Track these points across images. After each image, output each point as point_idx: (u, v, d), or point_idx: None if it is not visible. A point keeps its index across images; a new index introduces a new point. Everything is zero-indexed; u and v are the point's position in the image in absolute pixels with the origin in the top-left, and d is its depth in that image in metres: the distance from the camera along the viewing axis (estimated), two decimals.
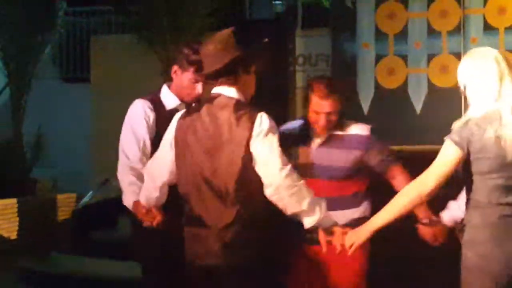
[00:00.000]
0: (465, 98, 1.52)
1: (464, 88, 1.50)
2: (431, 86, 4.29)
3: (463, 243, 1.53)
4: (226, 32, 1.64)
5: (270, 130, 1.57)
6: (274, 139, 1.57)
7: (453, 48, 4.27)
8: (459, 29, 4.27)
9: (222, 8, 5.10)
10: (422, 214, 1.75)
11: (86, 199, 4.72)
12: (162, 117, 1.99)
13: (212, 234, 1.58)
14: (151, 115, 2.04)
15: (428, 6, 4.41)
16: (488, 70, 1.46)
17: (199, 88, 2.03)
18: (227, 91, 1.61)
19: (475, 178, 1.46)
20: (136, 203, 1.83)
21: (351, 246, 1.54)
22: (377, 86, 4.40)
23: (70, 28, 7.36)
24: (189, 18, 5.08)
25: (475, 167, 1.45)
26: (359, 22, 4.48)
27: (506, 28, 4.20)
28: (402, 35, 4.40)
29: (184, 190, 1.66)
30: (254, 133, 1.55)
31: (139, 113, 2.06)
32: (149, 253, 2.01)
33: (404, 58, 4.40)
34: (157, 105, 2.08)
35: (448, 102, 3.80)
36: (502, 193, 1.45)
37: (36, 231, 5.13)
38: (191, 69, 1.97)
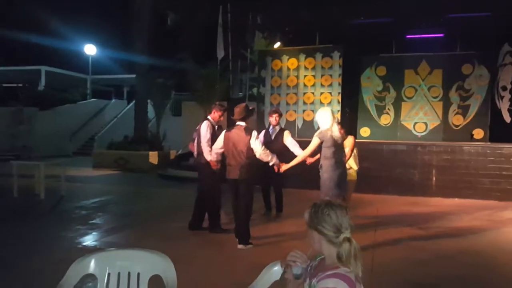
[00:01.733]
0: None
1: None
2: None
3: (320, 171, 5.10)
4: (243, 104, 5.64)
5: (256, 137, 5.31)
6: (258, 140, 5.35)
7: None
8: None
9: (223, 91, 15.32)
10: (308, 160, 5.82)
11: (180, 152, 15.40)
12: (213, 129, 6.06)
13: (236, 167, 5.37)
14: (211, 128, 6.03)
15: None
16: (327, 115, 5.14)
17: (221, 118, 6.18)
18: (242, 123, 5.42)
19: (324, 149, 5.09)
20: (211, 160, 5.89)
21: (283, 169, 5.64)
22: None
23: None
24: (213, 96, 15.35)
25: (324, 145, 5.09)
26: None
27: None
28: None
29: (226, 154, 5.50)
30: (252, 138, 5.31)
31: (207, 127, 5.99)
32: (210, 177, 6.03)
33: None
34: (211, 124, 6.07)
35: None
36: (334, 153, 5.05)
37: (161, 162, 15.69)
38: (221, 112, 6.17)
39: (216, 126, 6.16)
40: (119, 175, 13.63)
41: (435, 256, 5.18)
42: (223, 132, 5.66)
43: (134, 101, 17.92)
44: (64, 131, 20.62)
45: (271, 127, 7.23)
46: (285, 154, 6.44)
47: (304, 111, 12.33)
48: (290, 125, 11.82)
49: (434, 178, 9.32)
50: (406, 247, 5.57)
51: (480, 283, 4.40)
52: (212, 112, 6.18)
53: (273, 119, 7.15)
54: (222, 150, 5.65)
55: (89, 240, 5.96)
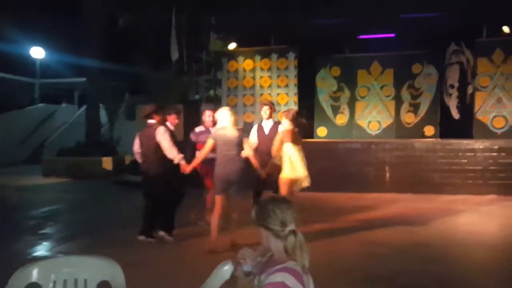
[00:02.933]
0: None
1: None
2: None
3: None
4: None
5: (163, 133, 5.52)
6: (164, 136, 5.50)
7: None
8: None
9: (179, 94, 15.12)
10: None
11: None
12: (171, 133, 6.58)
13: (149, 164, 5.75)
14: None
15: None
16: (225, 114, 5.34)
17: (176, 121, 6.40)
18: (151, 121, 5.98)
19: (218, 147, 5.28)
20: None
21: (187, 169, 5.58)
22: None
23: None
24: (169, 99, 15.10)
25: (217, 145, 5.26)
26: None
27: None
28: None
29: (142, 153, 5.96)
30: (158, 134, 5.51)
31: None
32: None
33: None
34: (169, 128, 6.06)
35: None
36: (223, 150, 5.22)
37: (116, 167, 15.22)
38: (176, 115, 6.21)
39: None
40: (71, 182, 13.10)
41: (389, 250, 5.29)
42: (137, 134, 5.90)
43: (85, 106, 17.31)
44: (12, 138, 19.64)
45: (263, 121, 6.65)
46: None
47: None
48: (248, 126, 11.75)
49: (388, 175, 9.55)
50: (363, 242, 5.66)
51: (435, 276, 4.51)
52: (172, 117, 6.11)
53: (263, 112, 6.56)
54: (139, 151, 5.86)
55: (39, 250, 5.67)
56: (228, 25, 12.97)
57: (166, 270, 4.73)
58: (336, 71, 12.44)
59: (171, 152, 5.54)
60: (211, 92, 13.83)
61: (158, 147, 5.59)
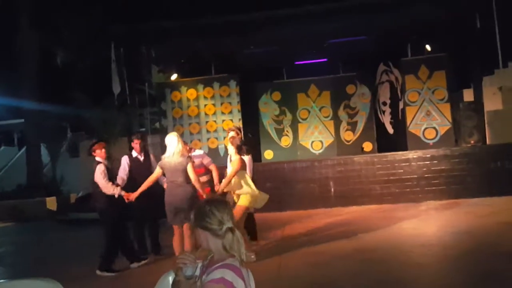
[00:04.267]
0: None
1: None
2: None
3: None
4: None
5: (101, 172, 5.69)
6: (99, 173, 5.70)
7: None
8: None
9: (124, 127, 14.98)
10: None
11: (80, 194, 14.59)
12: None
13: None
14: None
15: None
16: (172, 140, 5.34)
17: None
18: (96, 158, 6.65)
19: (166, 174, 5.42)
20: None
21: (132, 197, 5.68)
22: None
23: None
24: (113, 133, 14.90)
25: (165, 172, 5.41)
26: None
27: None
28: None
29: None
30: (96, 171, 5.74)
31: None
32: None
33: None
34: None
35: None
36: (169, 177, 5.35)
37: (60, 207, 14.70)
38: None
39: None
40: (13, 226, 12.48)
41: (333, 257, 5.54)
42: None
43: (25, 147, 16.69)
44: None
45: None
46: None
47: (208, 139, 12.51)
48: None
49: (332, 190, 9.95)
50: (309, 253, 5.88)
51: (376, 276, 4.79)
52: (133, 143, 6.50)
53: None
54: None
55: None
56: (168, 57, 13.17)
57: None
58: (277, 95, 12.92)
59: (107, 188, 5.68)
60: (157, 124, 13.84)
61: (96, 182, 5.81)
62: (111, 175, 5.84)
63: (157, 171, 5.42)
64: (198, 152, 6.81)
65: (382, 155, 10.10)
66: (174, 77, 13.43)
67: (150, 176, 5.55)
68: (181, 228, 5.32)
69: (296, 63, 13.12)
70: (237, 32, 11.30)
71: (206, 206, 2.01)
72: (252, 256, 5.30)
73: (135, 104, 14.76)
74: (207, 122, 12.60)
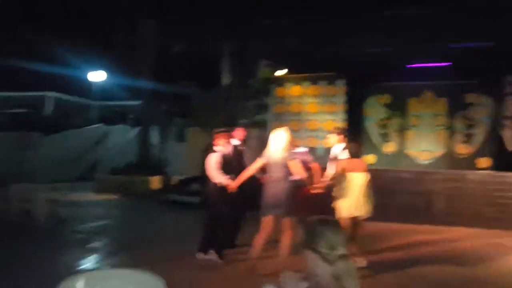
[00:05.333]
0: None
1: None
2: None
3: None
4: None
5: (215, 160, 5.91)
6: (213, 160, 5.90)
7: None
8: None
9: (227, 118, 15.41)
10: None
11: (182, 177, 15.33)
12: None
13: None
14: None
15: None
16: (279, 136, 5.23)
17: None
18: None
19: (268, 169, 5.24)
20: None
21: (232, 187, 5.71)
22: None
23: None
24: (217, 123, 15.39)
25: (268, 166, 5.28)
26: None
27: None
28: None
29: None
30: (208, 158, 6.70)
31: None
32: None
33: None
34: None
35: None
36: (270, 171, 5.28)
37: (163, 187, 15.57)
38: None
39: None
40: (120, 200, 13.51)
41: (437, 285, 5.01)
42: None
43: (138, 127, 17.98)
44: (69, 155, 20.64)
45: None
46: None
47: (307, 137, 12.30)
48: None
49: (439, 206, 9.15)
50: (405, 275, 5.40)
51: None
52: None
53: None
54: None
55: (86, 263, 5.85)
56: (278, 52, 13.17)
57: None
58: (386, 99, 12.26)
59: (215, 176, 5.83)
60: (258, 117, 13.99)
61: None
62: (228, 166, 5.94)
63: (260, 162, 5.38)
64: (301, 148, 6.71)
65: (500, 175, 9.04)
66: (280, 72, 13.42)
67: (252, 166, 5.49)
68: (273, 223, 5.21)
69: (411, 66, 12.28)
70: (351, 31, 10.89)
71: (318, 226, 1.83)
72: (364, 261, 5.24)
73: (240, 96, 15.08)
74: (308, 120, 12.40)
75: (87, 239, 7.40)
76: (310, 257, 1.80)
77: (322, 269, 1.76)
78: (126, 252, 6.55)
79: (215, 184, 5.88)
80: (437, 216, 9.12)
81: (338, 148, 6.50)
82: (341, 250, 1.76)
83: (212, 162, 5.84)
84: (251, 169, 5.49)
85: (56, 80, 23.87)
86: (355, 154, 5.87)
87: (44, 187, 9.16)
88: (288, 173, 5.30)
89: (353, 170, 5.71)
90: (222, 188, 5.79)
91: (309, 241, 1.81)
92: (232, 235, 6.44)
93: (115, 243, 7.38)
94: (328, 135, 7.11)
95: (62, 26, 18.23)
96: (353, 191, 5.63)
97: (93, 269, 5.47)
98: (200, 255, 5.92)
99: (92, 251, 6.53)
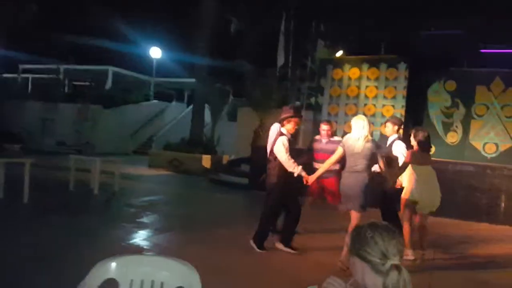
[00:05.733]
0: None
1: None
2: None
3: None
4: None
5: (282, 143, 5.27)
6: (282, 146, 5.27)
7: None
8: None
9: (280, 99, 15.14)
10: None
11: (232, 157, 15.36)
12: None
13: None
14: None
15: None
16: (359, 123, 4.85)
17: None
18: (277, 125, 5.65)
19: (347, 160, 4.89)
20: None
21: (310, 179, 5.23)
22: None
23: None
24: (270, 104, 15.18)
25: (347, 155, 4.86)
26: None
27: None
28: None
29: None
30: (277, 142, 5.34)
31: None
32: None
33: None
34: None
35: None
36: (349, 162, 4.87)
37: (213, 165, 15.71)
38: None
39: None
40: (172, 176, 13.77)
41: None
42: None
43: (192, 105, 18.15)
44: (126, 130, 21.34)
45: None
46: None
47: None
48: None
49: (503, 205, 8.47)
50: (466, 278, 4.99)
51: None
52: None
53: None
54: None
55: (133, 239, 5.90)
56: (337, 33, 12.66)
57: (250, 276, 4.60)
58: (451, 85, 11.44)
59: (289, 165, 5.24)
60: (313, 100, 13.62)
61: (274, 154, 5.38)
62: (292, 152, 5.37)
63: (339, 152, 4.95)
64: (336, 138, 6.33)
65: None
66: (339, 53, 12.92)
67: (330, 158, 5.10)
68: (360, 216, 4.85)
69: (482, 51, 11.36)
70: (416, 11, 10.19)
71: (368, 231, 1.59)
72: (410, 256, 5.00)
73: (295, 77, 14.74)
74: (365, 104, 11.85)
75: (138, 213, 7.52)
76: (359, 265, 1.59)
77: (372, 280, 1.56)
78: (175, 230, 6.59)
79: (284, 171, 5.27)
80: (500, 215, 8.45)
81: (391, 139, 6.00)
82: (395, 260, 1.54)
83: (281, 146, 5.26)
84: (331, 160, 5.06)
85: (118, 55, 24.58)
86: (424, 146, 5.42)
87: (99, 159, 9.38)
88: (370, 164, 4.92)
89: (420, 163, 5.31)
90: (290, 177, 5.29)
91: (357, 247, 1.60)
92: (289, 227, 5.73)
93: (165, 220, 7.45)
94: (386, 123, 6.66)
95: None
96: (419, 185, 5.26)
97: (142, 247, 5.50)
98: (280, 245, 5.50)
99: (141, 227, 6.61)
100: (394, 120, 6.24)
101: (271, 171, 5.42)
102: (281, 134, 5.39)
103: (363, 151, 4.81)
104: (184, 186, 11.92)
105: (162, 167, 14.81)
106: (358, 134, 4.83)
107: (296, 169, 5.21)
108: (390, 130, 5.99)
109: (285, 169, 5.26)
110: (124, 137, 21.01)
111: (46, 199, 8.06)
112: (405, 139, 6.00)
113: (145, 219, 7.18)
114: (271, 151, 5.43)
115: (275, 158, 5.34)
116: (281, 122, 5.48)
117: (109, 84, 24.62)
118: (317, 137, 6.50)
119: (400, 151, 5.64)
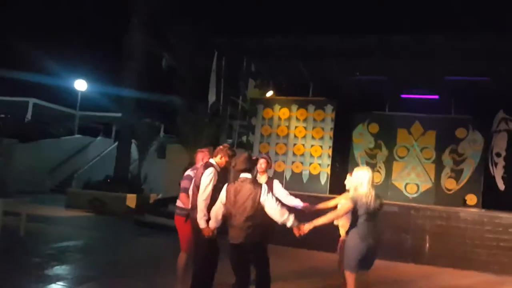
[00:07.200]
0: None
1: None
2: None
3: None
4: (244, 154, 4.44)
5: (268, 191, 4.14)
6: (270, 195, 4.12)
7: None
8: None
9: (211, 137, 14.89)
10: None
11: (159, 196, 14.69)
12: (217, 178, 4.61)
13: (243, 228, 4.10)
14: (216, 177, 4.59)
15: None
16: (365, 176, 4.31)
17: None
18: (247, 175, 4.22)
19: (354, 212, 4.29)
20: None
21: (304, 230, 4.13)
22: None
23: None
24: (201, 141, 14.89)
25: (359, 212, 4.23)
26: None
27: None
28: None
29: (229, 213, 4.19)
30: (262, 193, 4.08)
31: (212, 175, 4.59)
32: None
33: None
34: (216, 171, 4.65)
35: None
36: (362, 217, 4.26)
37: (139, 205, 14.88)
38: (228, 158, 4.69)
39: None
40: (92, 218, 12.77)
41: None
42: (224, 187, 4.41)
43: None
44: (44, 166, 19.83)
45: (257, 175, 5.73)
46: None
47: (293, 162, 11.91)
48: (278, 176, 11.28)
49: (427, 245, 8.71)
50: None
51: None
52: (219, 157, 4.84)
53: (259, 165, 5.65)
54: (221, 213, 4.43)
55: None
56: (267, 73, 12.82)
57: None
58: (375, 128, 11.95)
59: (282, 214, 4.30)
60: (244, 138, 13.53)
61: (261, 207, 4.26)
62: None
63: (348, 205, 4.42)
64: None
65: (494, 215, 8.65)
66: (269, 94, 13.04)
67: (338, 210, 4.63)
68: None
69: (402, 96, 12.02)
70: (344, 56, 10.59)
71: None
72: None
73: (226, 115, 14.64)
74: (295, 144, 12.02)
75: (49, 262, 6.70)
76: None
77: None
78: (95, 282, 5.89)
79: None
80: (426, 255, 8.67)
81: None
82: None
83: (207, 183, 4.63)
84: (337, 214, 4.54)
85: (41, 87, 23.15)
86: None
87: (2, 199, 8.36)
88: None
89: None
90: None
91: None
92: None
93: (82, 269, 6.69)
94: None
95: (47, 34, 17.73)
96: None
97: None
98: None
99: (46, 281, 5.79)
100: (265, 156, 5.93)
101: (251, 226, 4.29)
102: (211, 165, 4.80)
103: (380, 206, 4.52)
104: (105, 229, 11.05)
105: (81, 207, 13.69)
106: (366, 188, 4.38)
107: (288, 219, 4.26)
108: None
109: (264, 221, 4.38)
110: (41, 174, 19.46)
111: None
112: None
113: (57, 270, 6.40)
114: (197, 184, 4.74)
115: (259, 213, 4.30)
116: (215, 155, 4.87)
117: (28, 116, 22.99)
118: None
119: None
